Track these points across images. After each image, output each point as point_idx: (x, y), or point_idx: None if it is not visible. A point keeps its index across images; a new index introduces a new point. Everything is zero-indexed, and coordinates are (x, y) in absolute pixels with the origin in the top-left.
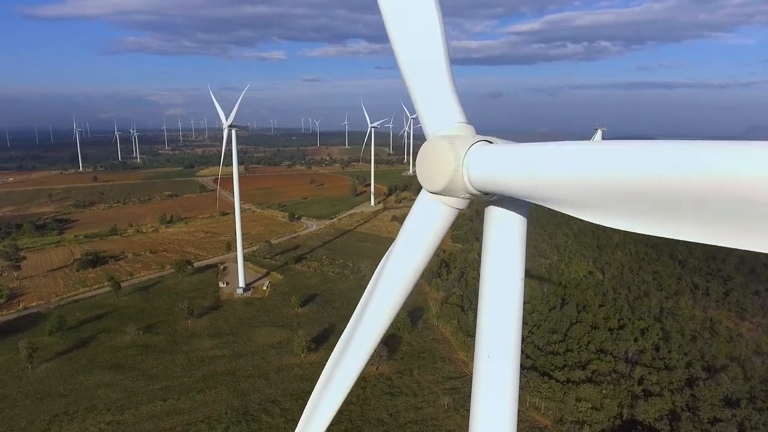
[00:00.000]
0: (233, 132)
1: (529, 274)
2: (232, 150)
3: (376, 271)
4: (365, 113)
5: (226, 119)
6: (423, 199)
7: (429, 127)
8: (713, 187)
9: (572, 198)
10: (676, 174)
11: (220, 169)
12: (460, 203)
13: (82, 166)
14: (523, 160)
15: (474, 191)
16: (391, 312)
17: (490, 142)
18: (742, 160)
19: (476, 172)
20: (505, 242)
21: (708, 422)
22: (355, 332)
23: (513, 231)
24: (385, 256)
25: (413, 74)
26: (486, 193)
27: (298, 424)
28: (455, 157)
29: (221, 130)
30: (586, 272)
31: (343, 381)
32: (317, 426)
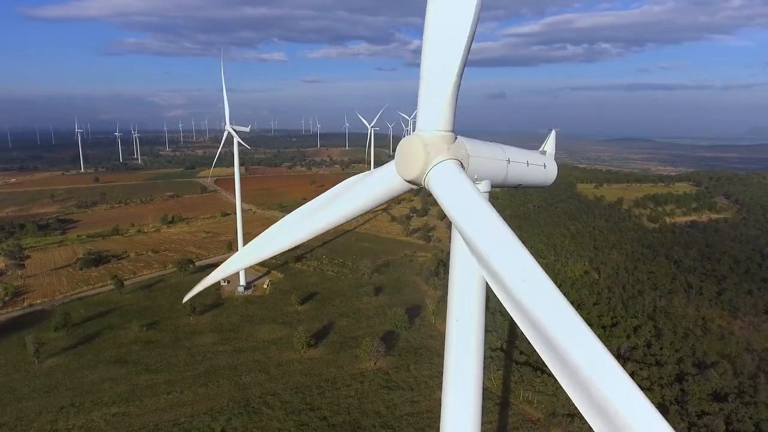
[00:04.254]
0: (234, 133)
1: None
2: (233, 151)
3: (322, 197)
4: (362, 119)
5: (230, 123)
6: (390, 168)
7: (420, 122)
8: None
9: (482, 265)
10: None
11: (211, 170)
12: (416, 187)
13: (84, 167)
14: (465, 211)
15: (430, 192)
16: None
17: (461, 162)
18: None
19: (434, 185)
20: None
21: (696, 415)
22: None
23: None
24: (339, 188)
25: (428, 73)
26: None
27: None
28: (424, 167)
29: (222, 131)
30: (582, 272)
31: None
32: None
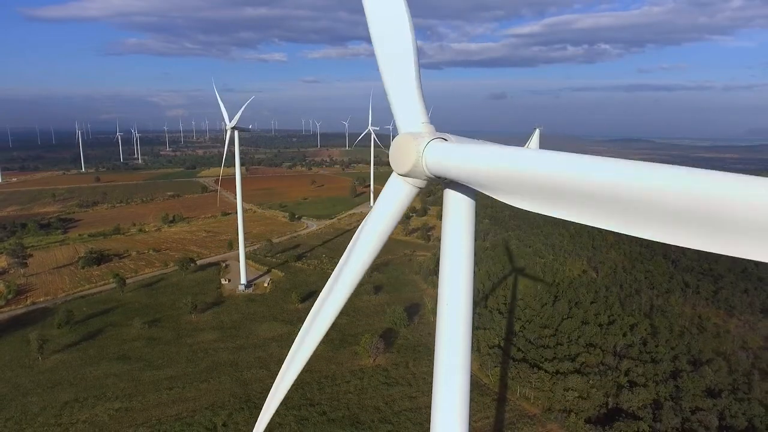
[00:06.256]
0: (236, 133)
1: (524, 272)
2: (234, 151)
3: (354, 235)
4: (370, 114)
5: (230, 121)
6: (393, 179)
7: (400, 124)
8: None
9: (493, 185)
10: (564, 175)
11: (221, 169)
12: (420, 183)
13: (85, 167)
14: (464, 156)
15: (430, 175)
16: (364, 265)
17: (445, 139)
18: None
19: (431, 161)
20: (457, 217)
21: (689, 411)
22: (334, 285)
23: (463, 209)
24: (363, 223)
25: (389, 82)
26: (440, 177)
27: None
28: (417, 149)
29: (222, 131)
30: (581, 271)
31: (319, 327)
32: (285, 385)
